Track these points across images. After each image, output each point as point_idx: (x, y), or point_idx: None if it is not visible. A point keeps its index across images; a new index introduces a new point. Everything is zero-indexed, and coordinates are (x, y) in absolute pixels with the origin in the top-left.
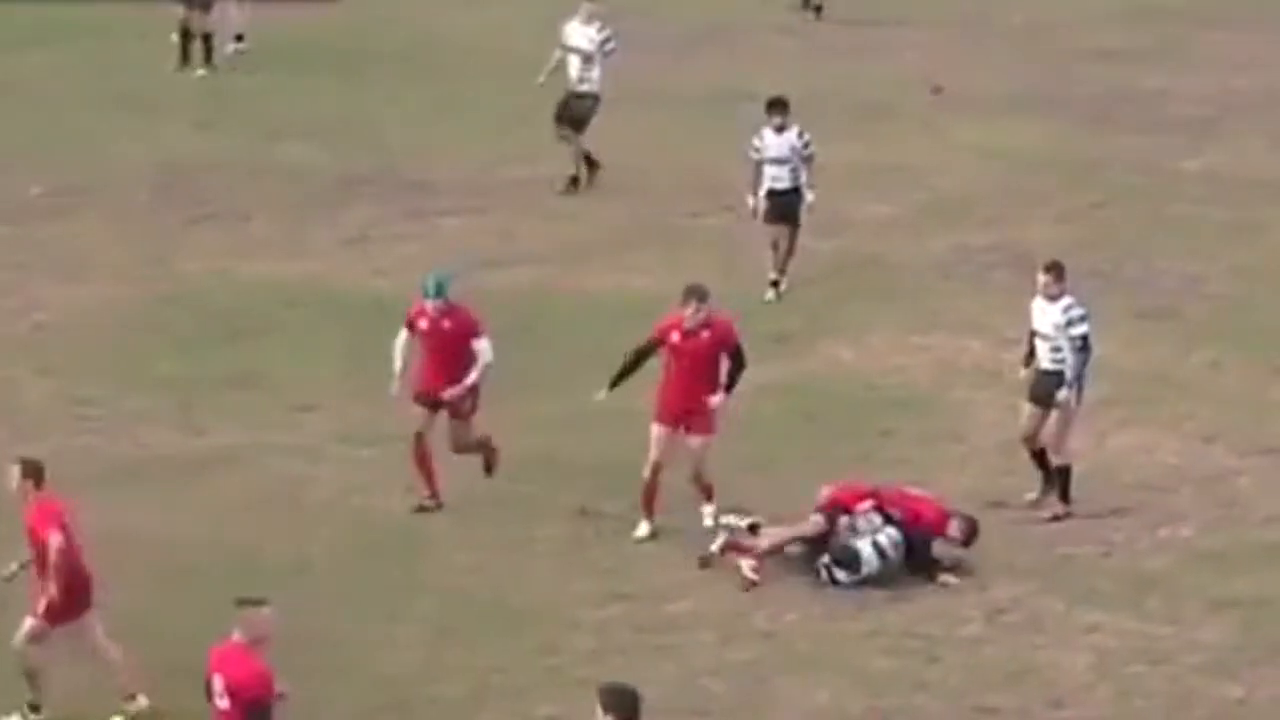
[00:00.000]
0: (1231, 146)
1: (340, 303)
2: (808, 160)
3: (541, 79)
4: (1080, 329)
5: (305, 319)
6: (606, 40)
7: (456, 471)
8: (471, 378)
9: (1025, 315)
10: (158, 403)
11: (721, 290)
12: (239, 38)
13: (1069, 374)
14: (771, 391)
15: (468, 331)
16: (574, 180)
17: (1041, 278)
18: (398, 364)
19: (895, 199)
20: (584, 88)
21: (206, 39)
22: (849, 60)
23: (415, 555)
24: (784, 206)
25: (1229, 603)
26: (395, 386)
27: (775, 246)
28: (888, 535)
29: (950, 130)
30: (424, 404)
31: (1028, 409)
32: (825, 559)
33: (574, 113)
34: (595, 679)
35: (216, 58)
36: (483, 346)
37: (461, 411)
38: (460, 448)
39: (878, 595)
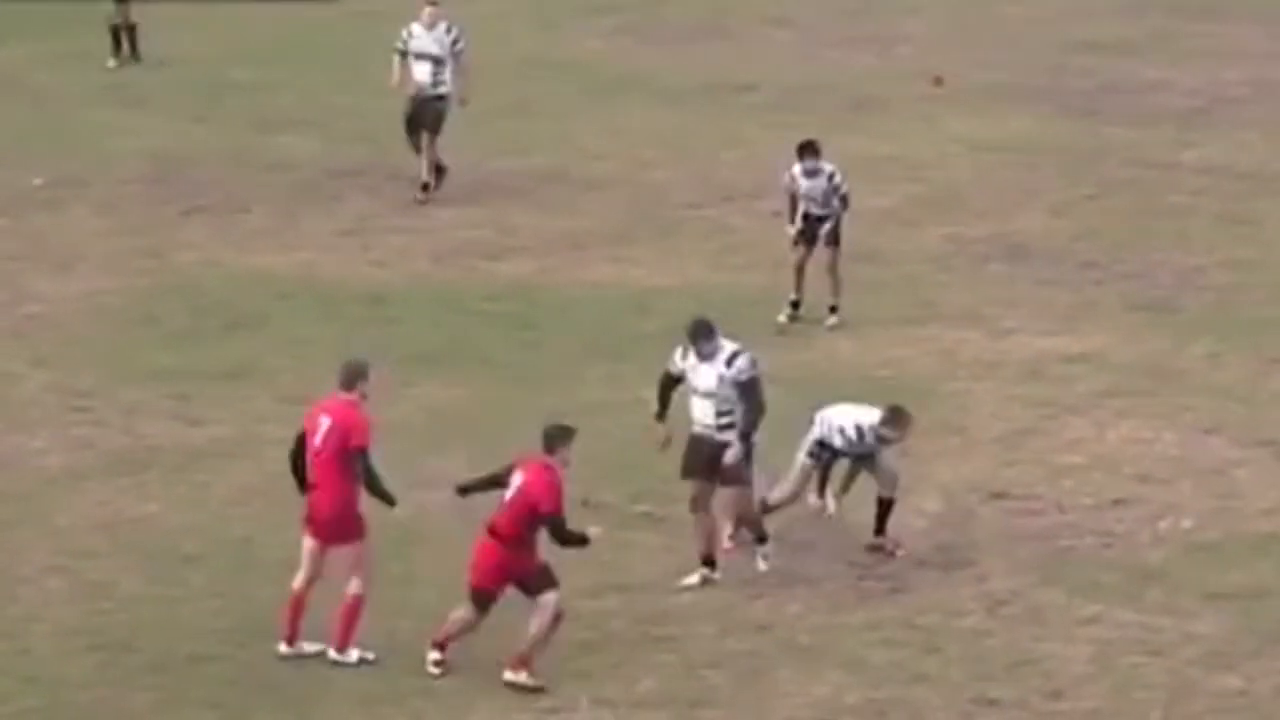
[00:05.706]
0: (1225, 138)
1: (335, 294)
2: (843, 200)
3: (394, 83)
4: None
5: (300, 311)
6: (456, 41)
7: (457, 461)
8: None
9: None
10: (153, 394)
11: (716, 281)
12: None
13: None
14: (771, 383)
15: None
16: (425, 186)
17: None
18: None
19: (891, 191)
20: (439, 90)
21: (130, 30)
22: (844, 52)
23: (412, 547)
24: (819, 227)
25: (1228, 594)
26: None
27: (799, 269)
28: None
29: (945, 122)
30: None
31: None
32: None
33: (430, 117)
34: (593, 671)
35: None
36: None
37: None
38: None
39: (878, 587)
